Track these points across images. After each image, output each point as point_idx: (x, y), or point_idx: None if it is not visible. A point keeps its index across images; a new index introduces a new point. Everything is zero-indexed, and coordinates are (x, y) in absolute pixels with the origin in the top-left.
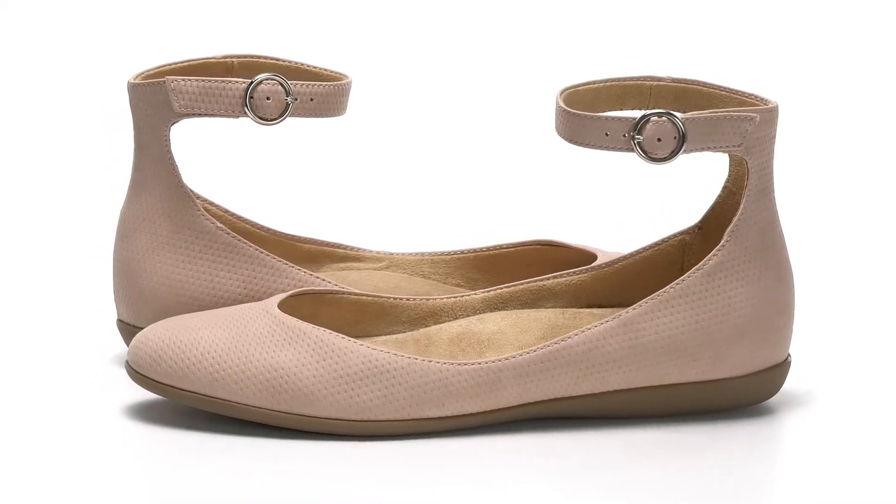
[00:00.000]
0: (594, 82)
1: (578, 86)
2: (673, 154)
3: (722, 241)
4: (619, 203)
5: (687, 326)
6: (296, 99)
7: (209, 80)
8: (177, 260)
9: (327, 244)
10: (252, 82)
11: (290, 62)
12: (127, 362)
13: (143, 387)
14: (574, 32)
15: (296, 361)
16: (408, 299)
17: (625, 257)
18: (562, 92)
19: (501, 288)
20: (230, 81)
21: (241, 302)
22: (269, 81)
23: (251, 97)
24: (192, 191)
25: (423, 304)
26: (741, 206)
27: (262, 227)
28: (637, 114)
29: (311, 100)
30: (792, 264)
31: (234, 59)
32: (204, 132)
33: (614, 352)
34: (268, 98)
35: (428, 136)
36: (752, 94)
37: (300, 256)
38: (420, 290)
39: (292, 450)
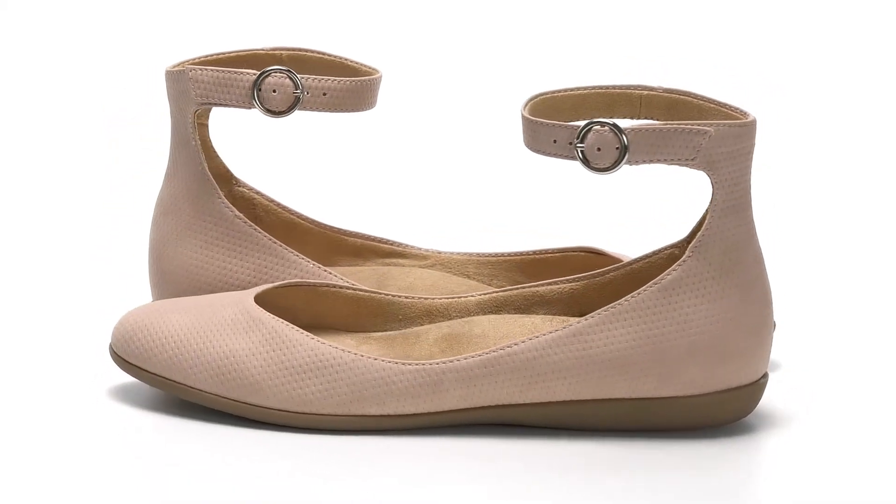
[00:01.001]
0: (578, 89)
1: (557, 92)
2: (615, 164)
3: (683, 256)
4: (640, 210)
5: (637, 341)
6: (307, 93)
7: (222, 71)
8: (195, 245)
9: (374, 239)
10: (260, 74)
11: (334, 57)
12: (110, 344)
13: (119, 367)
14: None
15: (247, 350)
16: (406, 297)
17: (616, 268)
18: (532, 98)
19: (497, 292)
20: (241, 73)
21: None
22: (277, 74)
23: (259, 89)
24: (237, 178)
25: (418, 303)
26: (705, 222)
27: (308, 219)
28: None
29: (324, 94)
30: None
31: (282, 52)
32: (263, 123)
33: (560, 362)
34: (274, 91)
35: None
36: (737, 108)
37: (346, 250)
38: (458, 289)
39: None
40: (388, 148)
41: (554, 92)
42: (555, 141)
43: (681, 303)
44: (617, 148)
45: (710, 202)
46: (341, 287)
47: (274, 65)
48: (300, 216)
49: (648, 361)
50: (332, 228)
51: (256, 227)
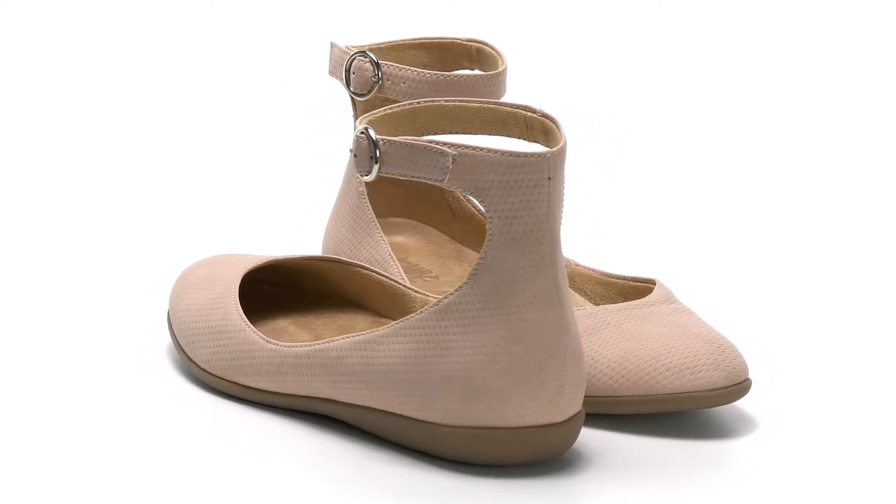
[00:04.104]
0: (472, 101)
1: (451, 100)
2: (369, 172)
3: (462, 282)
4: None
5: (406, 359)
6: (388, 80)
7: (339, 49)
8: (337, 215)
9: None
10: (349, 58)
11: (495, 53)
12: None
13: None
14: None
15: (194, 306)
16: (415, 291)
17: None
18: (421, 102)
19: None
20: (346, 54)
21: None
22: (361, 58)
23: (347, 70)
24: None
25: (419, 299)
26: (482, 250)
27: (481, 212)
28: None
29: (403, 83)
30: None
31: (473, 45)
32: None
33: (354, 366)
34: (354, 73)
35: None
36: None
37: None
38: None
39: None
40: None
41: (448, 100)
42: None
43: (448, 328)
44: (371, 157)
45: (487, 230)
46: (371, 271)
47: (464, 54)
48: (479, 209)
49: (412, 382)
50: None
51: (370, 207)
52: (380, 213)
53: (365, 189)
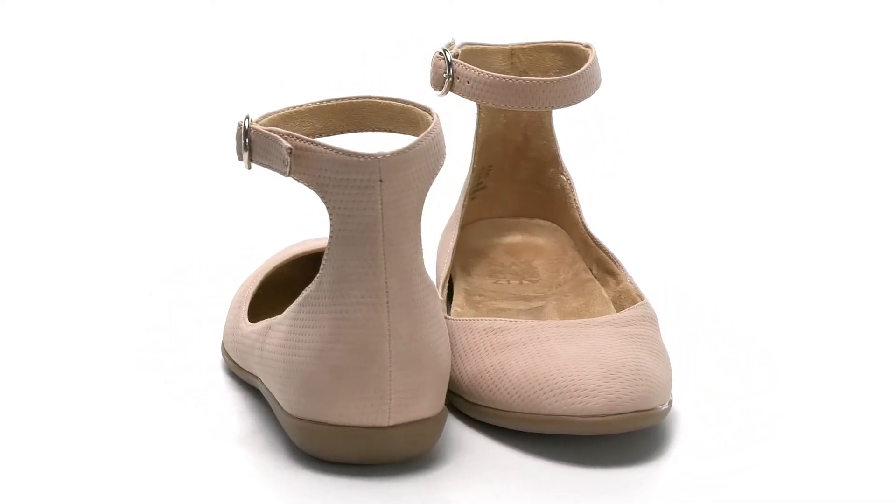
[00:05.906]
0: (401, 100)
1: (374, 98)
2: (243, 160)
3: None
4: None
5: (279, 347)
6: (457, 78)
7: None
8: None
9: (605, 251)
10: (434, 55)
11: (582, 50)
12: None
13: None
14: None
15: (242, 288)
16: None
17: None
18: (359, 97)
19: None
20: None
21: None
22: (439, 56)
23: (432, 65)
24: (563, 166)
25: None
26: (326, 246)
27: (582, 220)
28: None
29: (468, 83)
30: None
31: (566, 45)
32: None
33: (260, 349)
34: (432, 69)
35: None
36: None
37: (591, 255)
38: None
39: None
40: None
41: (383, 97)
42: None
43: (301, 321)
44: (242, 145)
45: (329, 227)
46: None
47: (583, 58)
48: (581, 217)
49: (278, 369)
50: (590, 234)
51: (463, 207)
52: (527, 214)
53: (467, 193)
